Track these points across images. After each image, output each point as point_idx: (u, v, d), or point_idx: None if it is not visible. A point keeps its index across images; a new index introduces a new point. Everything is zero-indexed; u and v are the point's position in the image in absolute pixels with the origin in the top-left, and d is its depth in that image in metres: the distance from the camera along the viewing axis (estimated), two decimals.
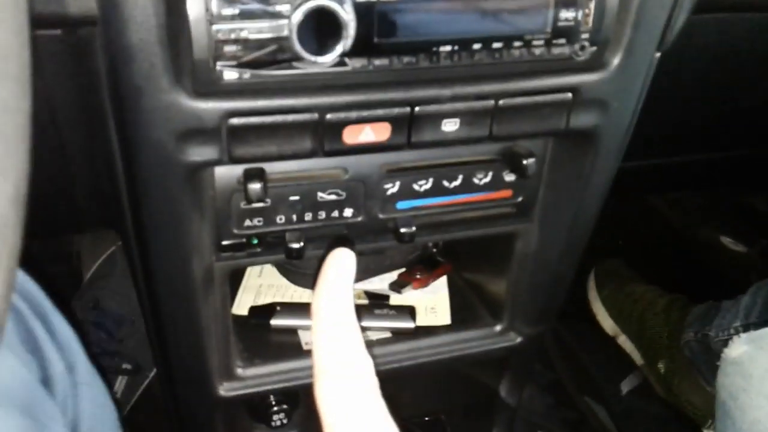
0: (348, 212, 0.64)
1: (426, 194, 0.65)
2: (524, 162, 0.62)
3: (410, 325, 0.78)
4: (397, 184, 0.64)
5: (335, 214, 0.63)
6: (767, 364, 0.71)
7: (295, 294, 0.82)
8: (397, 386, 0.96)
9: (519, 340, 0.81)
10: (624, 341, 1.36)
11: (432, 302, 0.83)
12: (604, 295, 1.43)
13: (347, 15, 0.48)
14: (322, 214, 0.63)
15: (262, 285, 0.83)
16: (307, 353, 0.75)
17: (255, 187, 0.55)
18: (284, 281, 0.83)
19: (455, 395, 1.02)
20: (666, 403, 1.24)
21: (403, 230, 0.64)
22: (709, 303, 1.17)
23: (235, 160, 0.54)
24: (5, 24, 0.21)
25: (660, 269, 1.49)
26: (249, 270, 0.85)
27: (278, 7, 0.47)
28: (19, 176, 0.24)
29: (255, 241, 0.63)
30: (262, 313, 0.77)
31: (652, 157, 1.09)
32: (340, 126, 0.54)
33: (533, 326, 0.81)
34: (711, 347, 1.08)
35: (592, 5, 0.54)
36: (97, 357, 1.10)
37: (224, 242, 0.62)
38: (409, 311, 0.79)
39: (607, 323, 1.39)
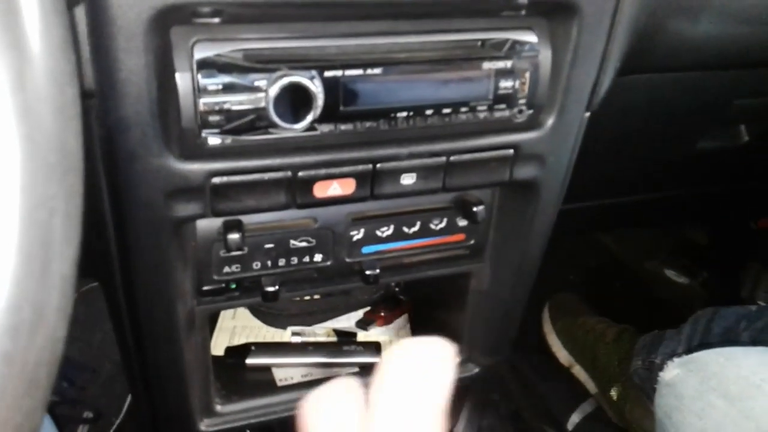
0: (318, 257, 0.69)
1: (388, 239, 0.71)
2: (474, 209, 0.68)
3: (376, 359, 0.83)
4: (362, 231, 0.69)
5: (306, 259, 0.68)
6: (696, 385, 0.77)
7: (268, 334, 0.87)
8: None
9: (477, 370, 0.87)
10: (578, 371, 1.40)
11: (396, 338, 0.89)
12: (558, 328, 1.47)
13: (316, 88, 0.54)
14: (295, 260, 0.68)
15: (236, 326, 0.88)
16: (281, 389, 0.79)
17: (234, 237, 0.61)
18: (257, 322, 0.88)
19: None
20: (619, 429, 1.28)
21: (368, 272, 0.70)
22: (655, 332, 1.21)
23: (216, 214, 0.59)
24: (72, 126, 0.27)
25: (610, 301, 1.54)
26: (223, 312, 0.89)
27: (257, 83, 0.52)
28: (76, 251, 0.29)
29: (233, 286, 0.68)
30: (238, 352, 0.82)
31: (597, 199, 1.17)
32: (310, 182, 0.59)
33: (489, 357, 0.86)
34: (657, 374, 1.14)
35: (527, 75, 0.61)
36: (56, 406, 1.09)
37: (205, 287, 0.67)
38: (375, 347, 0.84)
39: (562, 354, 1.44)
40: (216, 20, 0.51)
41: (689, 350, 1.09)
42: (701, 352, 0.85)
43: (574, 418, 1.31)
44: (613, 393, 1.30)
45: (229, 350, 0.83)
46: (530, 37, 0.61)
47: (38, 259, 0.25)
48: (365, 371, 0.83)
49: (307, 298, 0.89)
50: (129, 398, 0.86)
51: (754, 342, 0.96)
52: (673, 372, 0.84)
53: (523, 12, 0.60)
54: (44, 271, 0.26)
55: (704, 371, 0.78)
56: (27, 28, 0.25)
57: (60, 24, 0.26)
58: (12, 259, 0.25)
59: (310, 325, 0.89)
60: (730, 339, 1.02)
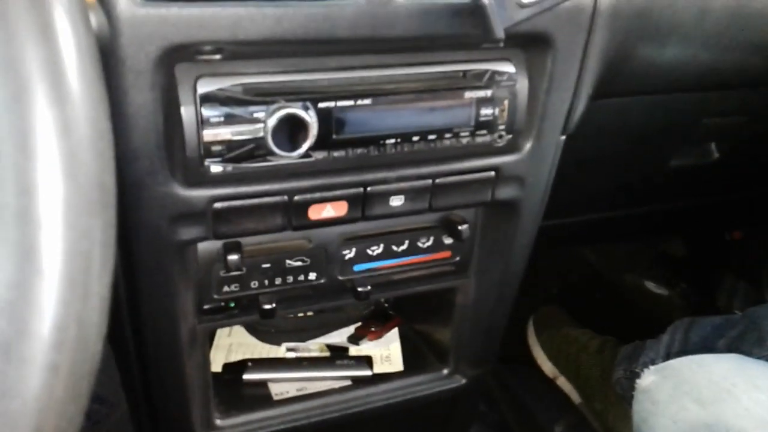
0: (312, 276, 0.72)
1: (378, 257, 0.74)
2: (459, 228, 0.72)
3: (368, 372, 0.86)
4: (354, 250, 0.73)
5: (301, 277, 0.72)
6: (670, 390, 0.81)
7: (263, 350, 0.90)
8: None
9: (464, 381, 0.90)
10: (563, 382, 1.42)
11: (386, 351, 0.92)
12: (543, 340, 1.49)
13: (311, 119, 0.58)
14: (291, 278, 0.71)
15: (233, 343, 0.91)
16: (278, 403, 0.83)
17: (234, 258, 0.64)
18: (252, 339, 0.91)
19: None
20: None
21: (360, 289, 0.73)
22: (636, 342, 1.22)
23: (218, 237, 0.62)
24: (109, 167, 0.31)
25: (592, 313, 1.56)
26: (219, 331, 0.92)
27: (256, 114, 0.56)
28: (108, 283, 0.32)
29: (232, 305, 0.71)
30: (235, 368, 0.85)
31: (577, 215, 1.20)
32: (305, 205, 0.63)
33: (476, 368, 0.90)
34: (635, 381, 1.17)
35: (506, 103, 0.65)
36: None
37: (206, 306, 0.70)
38: (367, 360, 0.87)
39: (547, 366, 1.46)
40: (217, 57, 0.55)
41: (667, 358, 1.12)
42: (675, 360, 0.89)
43: (559, 428, 1.34)
44: (597, 403, 1.32)
45: (227, 366, 0.86)
46: (508, 68, 0.65)
47: (81, 283, 0.29)
48: (358, 384, 0.86)
49: (301, 315, 0.92)
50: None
51: (730, 349, 0.99)
52: (649, 379, 0.88)
53: (501, 44, 0.64)
54: (86, 294, 0.29)
55: (678, 377, 0.82)
56: (72, 84, 0.29)
57: (98, 78, 0.30)
58: (59, 284, 0.29)
59: (303, 341, 0.92)
60: (706, 347, 1.05)
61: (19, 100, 0.28)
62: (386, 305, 0.99)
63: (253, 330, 0.92)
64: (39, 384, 0.29)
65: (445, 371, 0.90)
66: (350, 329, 0.95)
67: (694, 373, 0.80)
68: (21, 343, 0.28)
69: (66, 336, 0.29)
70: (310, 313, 0.93)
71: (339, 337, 0.94)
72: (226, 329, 0.92)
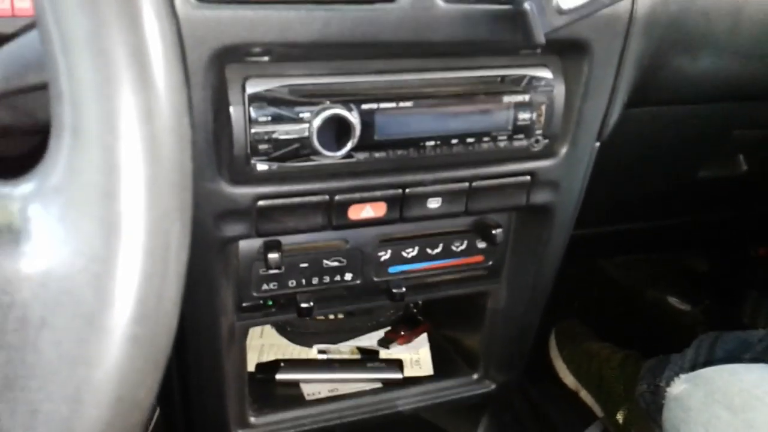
0: (348, 276, 0.73)
1: (413, 260, 0.75)
2: (493, 232, 0.73)
3: (399, 375, 0.87)
4: (389, 251, 0.74)
5: (338, 278, 0.73)
6: (702, 398, 0.81)
7: (294, 351, 0.91)
8: None
9: (493, 387, 0.91)
10: (585, 395, 1.41)
11: (416, 356, 0.93)
12: (565, 354, 1.49)
13: (355, 120, 0.59)
14: (327, 278, 0.72)
15: (264, 344, 0.92)
16: (310, 403, 0.84)
17: (274, 256, 0.66)
18: (284, 340, 0.92)
19: None
20: None
21: (394, 291, 0.74)
22: (660, 357, 1.23)
23: (260, 234, 0.63)
24: (187, 150, 0.32)
25: (614, 328, 1.55)
26: (251, 331, 0.93)
27: (301, 114, 0.58)
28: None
29: (270, 303, 0.73)
30: (268, 368, 0.86)
31: (601, 226, 1.22)
32: (346, 205, 0.64)
33: (505, 374, 0.90)
34: (662, 397, 1.17)
35: (543, 108, 0.66)
36: None
37: (245, 304, 0.71)
38: (398, 364, 0.88)
39: (569, 379, 1.45)
40: (266, 59, 0.57)
41: (694, 368, 1.12)
42: (706, 369, 0.89)
43: None
44: (619, 417, 1.32)
45: (260, 366, 0.87)
46: (546, 74, 0.66)
47: (161, 260, 0.31)
48: (388, 387, 0.87)
49: (332, 317, 0.93)
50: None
51: (756, 362, 0.99)
52: (680, 387, 0.88)
53: (539, 50, 0.66)
54: (165, 271, 0.31)
55: (710, 385, 0.82)
56: (155, 70, 0.30)
57: (180, 64, 0.31)
58: (142, 260, 0.30)
59: (334, 343, 0.93)
60: (732, 361, 1.05)
61: (109, 84, 0.29)
62: (414, 311, 1.00)
63: (284, 331, 0.93)
64: (121, 354, 0.30)
65: (475, 376, 0.91)
66: (380, 333, 0.96)
67: (725, 382, 0.80)
68: (105, 314, 0.29)
69: (147, 309, 0.30)
70: (340, 316, 0.94)
71: (369, 340, 0.95)
72: (258, 330, 0.93)
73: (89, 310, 0.29)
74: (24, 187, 0.30)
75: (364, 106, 0.60)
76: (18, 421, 0.30)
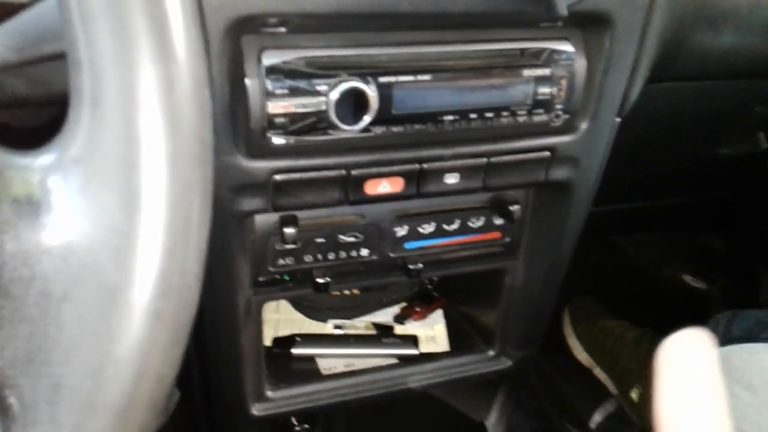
0: (364, 252, 0.73)
1: (429, 236, 0.75)
2: (511, 208, 0.73)
3: (415, 351, 0.87)
4: (405, 227, 0.74)
5: (354, 253, 0.73)
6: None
7: (310, 326, 0.92)
8: (391, 418, 1.04)
9: (510, 363, 0.91)
10: (599, 372, 1.41)
11: (431, 332, 0.93)
12: (579, 331, 1.49)
13: (372, 93, 0.58)
14: (343, 254, 0.72)
15: (280, 319, 0.92)
16: (326, 378, 0.84)
17: (290, 231, 0.65)
18: (299, 315, 0.93)
19: (446, 426, 1.11)
20: (640, 428, 1.32)
21: (411, 267, 0.74)
22: None
23: (277, 209, 0.63)
24: (208, 121, 0.32)
25: (628, 305, 1.56)
26: (266, 306, 0.94)
27: (318, 87, 0.57)
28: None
29: (287, 278, 0.73)
30: (284, 343, 0.86)
31: (619, 203, 1.21)
32: (362, 180, 0.64)
33: (521, 350, 0.90)
34: None
35: (564, 82, 0.65)
36: None
37: (261, 278, 0.71)
38: (413, 340, 0.89)
39: (583, 356, 1.45)
40: (282, 30, 0.56)
41: None
42: (725, 347, 0.88)
43: (597, 417, 1.34)
44: (634, 394, 1.32)
45: (276, 341, 0.87)
46: (566, 47, 0.65)
47: (183, 234, 0.30)
48: (404, 363, 0.87)
49: (347, 292, 0.93)
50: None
51: None
52: None
53: (560, 23, 0.65)
54: (187, 245, 0.31)
55: (728, 364, 0.82)
56: (175, 41, 0.30)
57: (199, 35, 0.31)
58: (164, 234, 0.30)
59: (350, 318, 0.93)
60: (749, 340, 1.04)
61: (128, 53, 0.29)
62: (430, 287, 1.00)
63: (300, 306, 0.93)
64: (144, 329, 0.30)
65: (491, 353, 0.91)
66: (395, 309, 0.96)
67: (744, 361, 0.80)
68: (127, 288, 0.29)
69: (169, 284, 0.30)
70: (356, 292, 0.94)
71: (384, 316, 0.95)
72: (273, 305, 0.94)
73: (111, 284, 0.29)
74: (44, 159, 0.30)
75: (382, 79, 0.59)
76: (40, 396, 0.30)
